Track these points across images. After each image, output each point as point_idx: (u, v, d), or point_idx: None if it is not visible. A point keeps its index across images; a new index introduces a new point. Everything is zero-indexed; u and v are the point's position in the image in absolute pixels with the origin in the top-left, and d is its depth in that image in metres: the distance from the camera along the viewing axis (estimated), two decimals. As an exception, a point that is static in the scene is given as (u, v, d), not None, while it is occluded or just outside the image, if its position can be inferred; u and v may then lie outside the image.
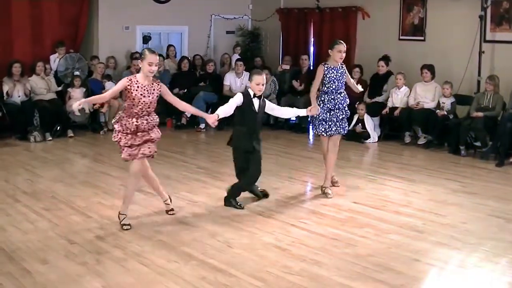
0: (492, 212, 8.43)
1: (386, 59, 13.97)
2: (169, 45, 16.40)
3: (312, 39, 16.51)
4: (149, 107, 7.50)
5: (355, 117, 13.58)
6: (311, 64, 15.92)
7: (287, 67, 15.73)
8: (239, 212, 8.25)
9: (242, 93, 8.52)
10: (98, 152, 12.27)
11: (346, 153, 11.91)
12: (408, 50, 14.19)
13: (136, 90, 7.38)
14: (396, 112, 13.12)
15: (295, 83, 15.09)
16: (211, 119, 7.97)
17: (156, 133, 7.67)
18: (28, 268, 6.23)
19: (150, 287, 5.88)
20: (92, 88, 14.22)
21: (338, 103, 9.13)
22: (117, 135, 7.55)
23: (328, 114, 9.10)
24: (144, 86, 7.42)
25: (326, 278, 6.10)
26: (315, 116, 9.09)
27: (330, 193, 9.07)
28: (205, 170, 10.54)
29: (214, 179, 10.01)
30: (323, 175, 9.36)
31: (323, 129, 9.15)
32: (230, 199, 8.57)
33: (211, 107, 14.90)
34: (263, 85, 8.35)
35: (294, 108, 9.30)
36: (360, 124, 13.52)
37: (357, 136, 13.34)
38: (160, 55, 15.32)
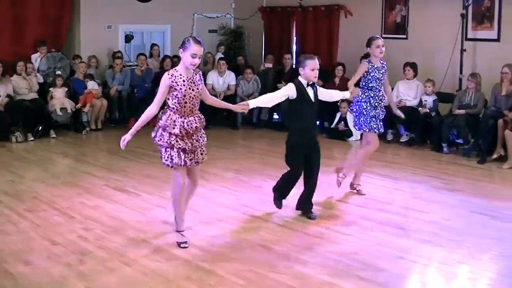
0: (475, 209, 8.47)
1: (368, 57, 13.96)
2: (153, 44, 16.36)
3: (295, 38, 16.52)
4: (197, 102, 6.78)
5: (338, 115, 13.62)
6: (294, 63, 15.94)
7: (270, 65, 15.74)
8: (223, 211, 8.24)
9: (294, 83, 7.73)
10: (81, 152, 12.22)
11: (329, 151, 11.92)
12: (390, 48, 14.12)
13: (183, 85, 6.61)
14: (379, 110, 13.15)
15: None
16: (239, 106, 7.57)
17: (204, 137, 6.97)
18: (10, 270, 6.19)
19: (133, 287, 5.86)
20: (74, 87, 14.18)
21: (381, 101, 9.02)
22: (170, 137, 6.68)
23: (375, 111, 8.91)
24: (190, 79, 6.69)
25: (311, 276, 6.10)
26: (363, 113, 8.84)
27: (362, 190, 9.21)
28: (188, 169, 10.52)
29: (199, 178, 9.98)
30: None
31: (375, 126, 8.97)
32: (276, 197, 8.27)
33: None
34: (318, 69, 7.69)
35: (337, 91, 8.85)
36: (343, 122, 13.54)
37: (340, 134, 13.36)
38: (143, 54, 15.35)
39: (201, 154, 6.90)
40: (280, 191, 8.21)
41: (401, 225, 7.72)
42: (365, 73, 8.91)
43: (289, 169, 8.02)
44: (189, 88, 6.63)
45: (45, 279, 5.97)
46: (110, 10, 15.50)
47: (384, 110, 9.10)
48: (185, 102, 6.62)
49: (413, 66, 13.06)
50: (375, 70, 8.91)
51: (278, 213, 8.12)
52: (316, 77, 7.69)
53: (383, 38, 14.11)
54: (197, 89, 6.72)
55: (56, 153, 12.09)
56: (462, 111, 12.05)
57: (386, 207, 8.48)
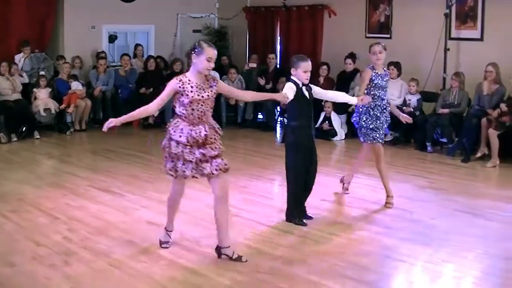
0: (459, 208, 8.50)
1: (353, 56, 14.05)
2: (137, 44, 16.33)
3: (279, 38, 16.53)
4: (207, 110, 6.37)
5: (322, 115, 13.62)
6: (278, 63, 15.97)
7: (254, 65, 15.73)
8: (208, 211, 8.20)
9: (292, 83, 7.53)
10: (65, 153, 12.17)
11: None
12: (374, 48, 14.24)
13: (191, 91, 6.22)
14: (363, 110, 13.17)
15: (260, 80, 15.12)
16: (282, 97, 7.26)
17: (217, 147, 6.40)
18: (-5, 271, 6.17)
19: (119, 287, 5.86)
20: (58, 88, 14.12)
21: (385, 109, 8.51)
22: (177, 146, 6.33)
23: (377, 122, 8.43)
24: (199, 85, 6.28)
25: (296, 276, 6.10)
26: (363, 125, 8.43)
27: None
28: (173, 169, 10.51)
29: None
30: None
31: (377, 136, 8.46)
32: (292, 217, 7.80)
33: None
34: (310, 71, 7.54)
35: (343, 93, 8.42)
36: (327, 122, 13.56)
37: (324, 134, 13.37)
38: (126, 54, 15.32)
39: (212, 165, 6.30)
40: (295, 207, 7.83)
41: (386, 224, 7.74)
42: (369, 81, 8.41)
43: (288, 183, 7.83)
44: (198, 95, 6.23)
45: (30, 281, 5.94)
46: (94, 10, 15.42)
47: (389, 118, 8.66)
48: (192, 109, 6.24)
49: (397, 65, 13.08)
50: (379, 77, 8.45)
51: (263, 213, 8.12)
52: (307, 79, 7.53)
53: (367, 38, 14.31)
54: (207, 95, 6.29)
55: (40, 154, 12.03)
56: (446, 110, 12.12)
57: (371, 206, 8.49)
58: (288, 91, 7.41)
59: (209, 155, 6.28)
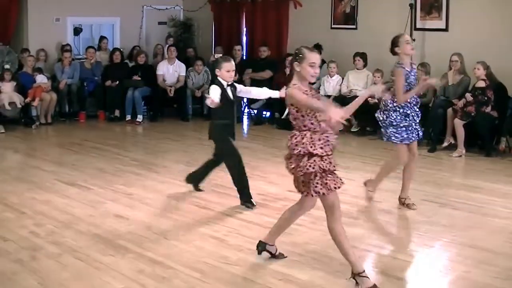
0: (426, 197, 8.56)
1: (318, 48, 14.07)
2: (102, 37, 16.22)
3: (244, 29, 16.51)
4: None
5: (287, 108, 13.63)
6: (244, 54, 15.96)
7: (221, 56, 15.71)
8: (175, 203, 8.22)
9: (215, 84, 7.83)
10: (31, 147, 12.08)
11: (279, 142, 11.93)
12: (340, 39, 14.29)
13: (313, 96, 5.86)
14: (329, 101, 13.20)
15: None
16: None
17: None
18: (-40, 266, 6.11)
19: (86, 281, 5.81)
20: (23, 81, 13.99)
21: (414, 105, 7.92)
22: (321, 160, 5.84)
23: (406, 120, 7.82)
24: (306, 91, 5.81)
25: (263, 267, 6.11)
26: (393, 124, 7.82)
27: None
28: (139, 162, 10.46)
29: (148, 171, 9.95)
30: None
31: (406, 136, 7.87)
32: (243, 199, 8.20)
33: (145, 100, 14.84)
34: (233, 71, 7.98)
35: (266, 88, 8.53)
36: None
37: (290, 125, 13.35)
38: (92, 47, 15.23)
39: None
40: (241, 188, 8.21)
41: (352, 214, 7.76)
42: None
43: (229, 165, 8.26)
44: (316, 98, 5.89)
45: (-4, 276, 5.90)
46: (58, 2, 15.29)
47: (419, 112, 8.00)
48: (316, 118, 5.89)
49: (363, 56, 13.16)
50: (409, 73, 7.84)
51: (230, 205, 8.12)
52: (231, 77, 7.98)
53: (332, 29, 14.36)
54: None
55: (6, 148, 11.91)
56: (412, 101, 12.20)
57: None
58: (215, 93, 7.65)
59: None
